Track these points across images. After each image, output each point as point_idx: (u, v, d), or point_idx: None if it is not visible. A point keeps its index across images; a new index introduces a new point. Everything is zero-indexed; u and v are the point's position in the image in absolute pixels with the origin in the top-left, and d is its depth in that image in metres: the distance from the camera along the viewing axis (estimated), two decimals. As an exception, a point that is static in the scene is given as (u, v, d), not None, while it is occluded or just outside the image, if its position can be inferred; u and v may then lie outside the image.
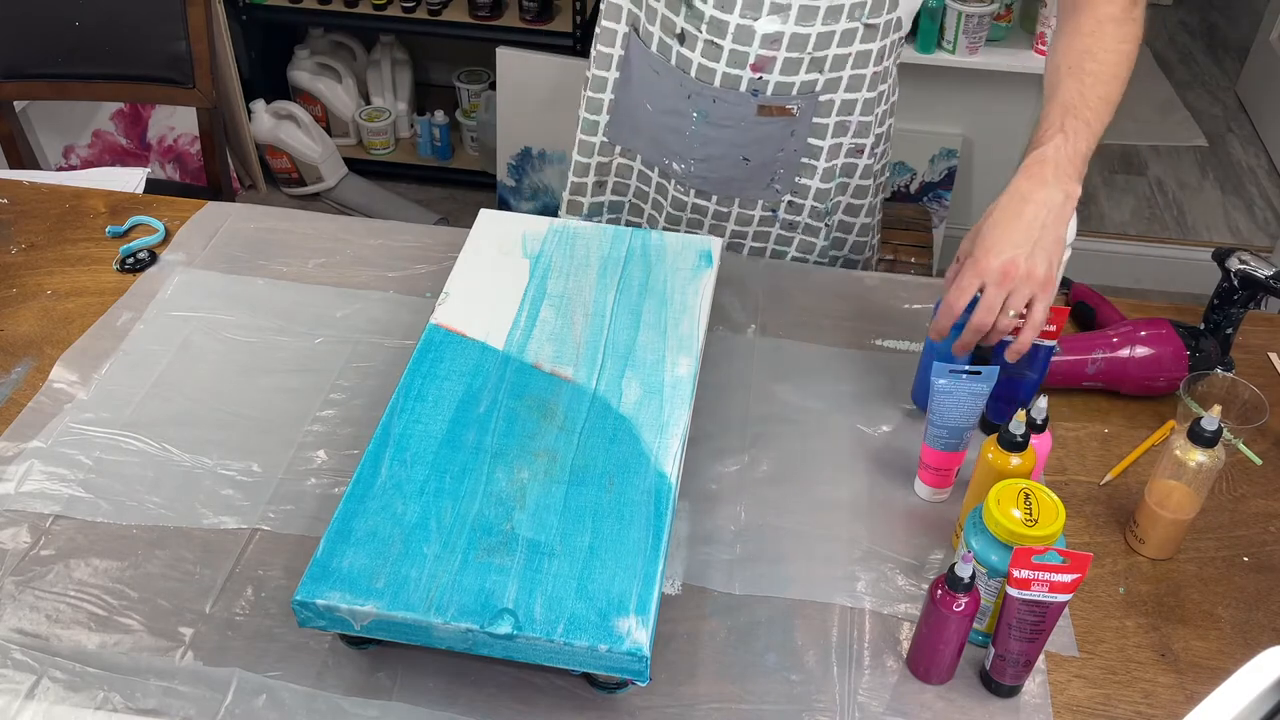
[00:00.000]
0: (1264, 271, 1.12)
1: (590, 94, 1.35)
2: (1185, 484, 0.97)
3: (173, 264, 1.30)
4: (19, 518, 1.00)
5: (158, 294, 1.26)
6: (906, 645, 0.92)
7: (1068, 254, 1.14)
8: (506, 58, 2.71)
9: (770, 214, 1.34)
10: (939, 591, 0.84)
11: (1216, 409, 0.98)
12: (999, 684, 0.88)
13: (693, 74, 1.22)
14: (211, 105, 1.94)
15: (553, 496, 0.91)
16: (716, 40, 1.18)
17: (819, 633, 0.93)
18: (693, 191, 1.33)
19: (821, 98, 1.23)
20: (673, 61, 1.23)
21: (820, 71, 1.20)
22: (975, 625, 0.91)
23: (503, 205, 2.94)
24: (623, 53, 1.29)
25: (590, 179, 1.41)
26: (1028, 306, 0.98)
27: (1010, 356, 0.99)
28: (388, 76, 3.07)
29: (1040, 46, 2.40)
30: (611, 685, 0.87)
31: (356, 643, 0.90)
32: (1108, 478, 1.08)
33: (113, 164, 2.59)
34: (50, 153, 2.45)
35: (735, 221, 1.35)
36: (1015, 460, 0.92)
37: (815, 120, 1.25)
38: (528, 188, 2.90)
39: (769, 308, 1.27)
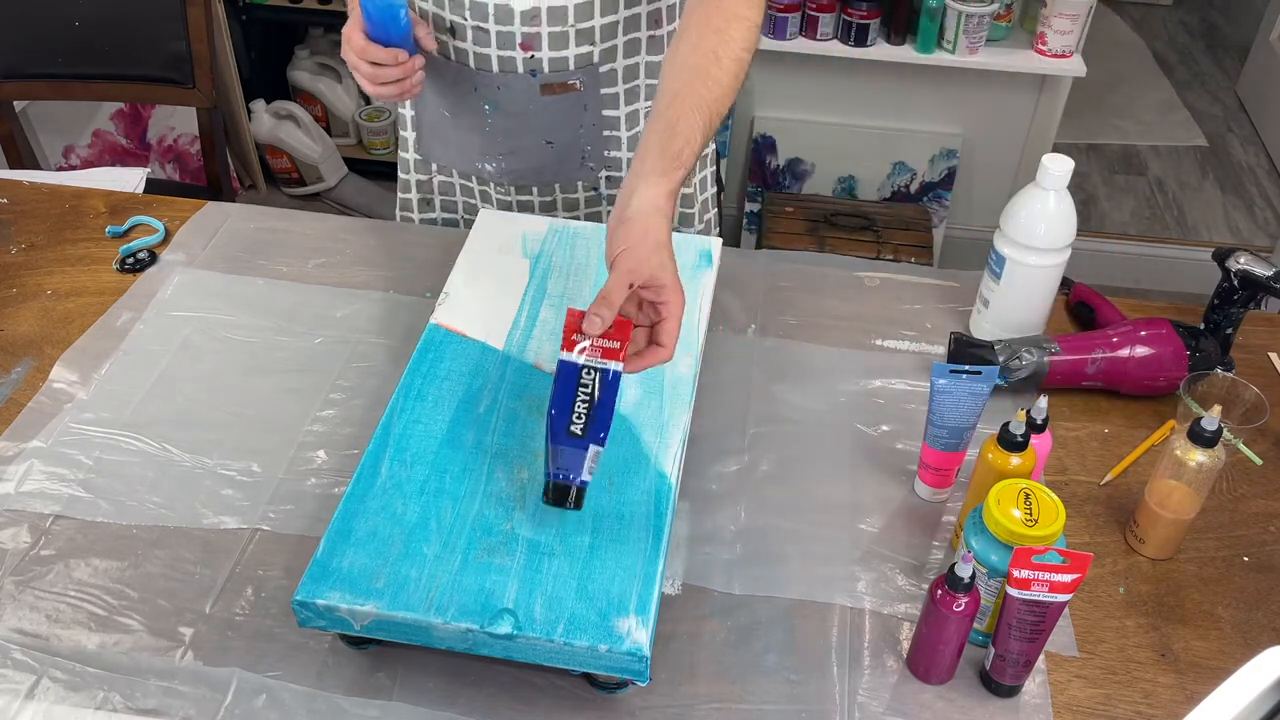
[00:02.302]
0: (1264, 271, 1.12)
1: (400, 111, 1.37)
2: (1185, 484, 0.97)
3: (173, 264, 1.31)
4: (19, 518, 1.00)
5: (158, 294, 1.26)
6: (906, 645, 0.92)
7: (1067, 254, 1.14)
8: (506, 58, 2.70)
9: (594, 192, 1.35)
10: (939, 591, 0.84)
11: (1217, 409, 0.98)
12: (999, 684, 0.88)
13: (472, 65, 1.22)
14: (211, 105, 1.94)
15: (553, 496, 0.91)
16: (482, 24, 1.18)
17: (819, 633, 0.93)
18: (513, 190, 1.34)
19: (602, 69, 1.23)
20: (452, 57, 1.23)
21: (592, 43, 1.20)
22: (975, 625, 0.91)
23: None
24: None
25: (414, 195, 1.43)
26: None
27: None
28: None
29: (1040, 46, 2.40)
30: (611, 685, 0.87)
31: (356, 643, 0.90)
32: (1108, 478, 1.08)
33: (113, 164, 2.59)
34: (50, 153, 2.45)
35: (564, 208, 1.36)
36: (1015, 460, 0.92)
37: (604, 91, 1.25)
38: (528, 188, 2.89)
39: (769, 308, 1.27)
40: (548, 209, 1.35)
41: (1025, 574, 0.80)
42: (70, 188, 1.45)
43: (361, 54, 1.12)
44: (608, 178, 1.33)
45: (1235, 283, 1.14)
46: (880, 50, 2.43)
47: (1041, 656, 0.91)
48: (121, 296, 1.26)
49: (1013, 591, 0.82)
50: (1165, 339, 1.14)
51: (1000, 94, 2.57)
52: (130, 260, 1.30)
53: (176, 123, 2.77)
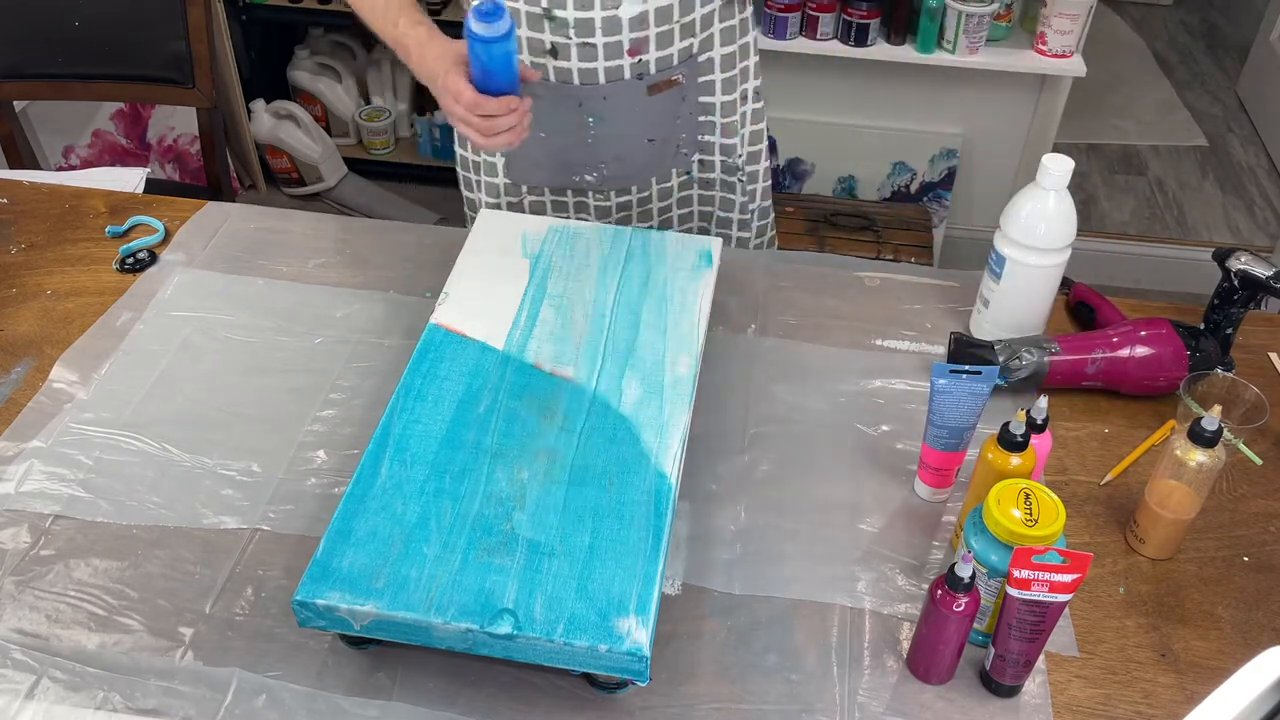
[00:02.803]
0: (1264, 271, 1.12)
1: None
2: (1186, 484, 0.97)
3: (173, 264, 1.30)
4: (19, 518, 1.00)
5: (158, 294, 1.26)
6: (906, 645, 0.92)
7: (1067, 254, 1.14)
8: (506, 58, 2.70)
9: (687, 176, 1.36)
10: (939, 591, 0.84)
11: (1217, 409, 0.98)
12: (999, 684, 0.88)
13: (576, 82, 1.22)
14: (211, 105, 1.94)
15: (553, 496, 0.91)
16: (588, 40, 1.18)
17: (819, 633, 0.93)
18: (613, 193, 1.34)
19: (700, 59, 1.25)
20: (552, 78, 1.22)
21: (694, 35, 1.22)
22: (975, 625, 0.91)
23: (503, 205, 2.93)
24: None
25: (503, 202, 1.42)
26: None
27: None
28: (388, 76, 3.07)
29: (1040, 46, 2.40)
30: (611, 685, 0.87)
31: (356, 643, 0.90)
32: (1108, 478, 1.08)
33: (113, 164, 2.59)
34: (50, 153, 2.45)
35: (659, 199, 1.37)
36: (1015, 460, 0.92)
37: (701, 80, 1.27)
38: (528, 188, 2.89)
39: (769, 308, 1.27)
40: (644, 203, 1.37)
41: (1025, 574, 0.80)
42: (70, 188, 1.45)
43: (474, 108, 1.05)
44: (700, 161, 1.35)
45: (1235, 283, 1.14)
46: (880, 50, 2.43)
47: (1041, 656, 0.91)
48: (121, 296, 1.26)
49: (1013, 591, 0.82)
50: (1165, 339, 1.14)
51: (1000, 94, 2.57)
52: (130, 260, 1.30)
53: (176, 123, 2.77)
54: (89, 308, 1.24)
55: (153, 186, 1.63)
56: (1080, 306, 1.27)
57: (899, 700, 0.88)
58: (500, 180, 1.37)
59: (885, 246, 2.53)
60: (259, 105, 2.90)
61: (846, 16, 2.39)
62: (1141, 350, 1.14)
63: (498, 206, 1.40)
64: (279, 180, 3.03)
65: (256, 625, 0.92)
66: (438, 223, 2.90)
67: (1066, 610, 0.95)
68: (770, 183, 1.48)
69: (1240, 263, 1.13)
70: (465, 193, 1.46)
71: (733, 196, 1.40)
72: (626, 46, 1.19)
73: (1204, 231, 3.04)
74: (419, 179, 3.10)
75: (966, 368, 0.97)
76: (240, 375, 1.16)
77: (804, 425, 1.12)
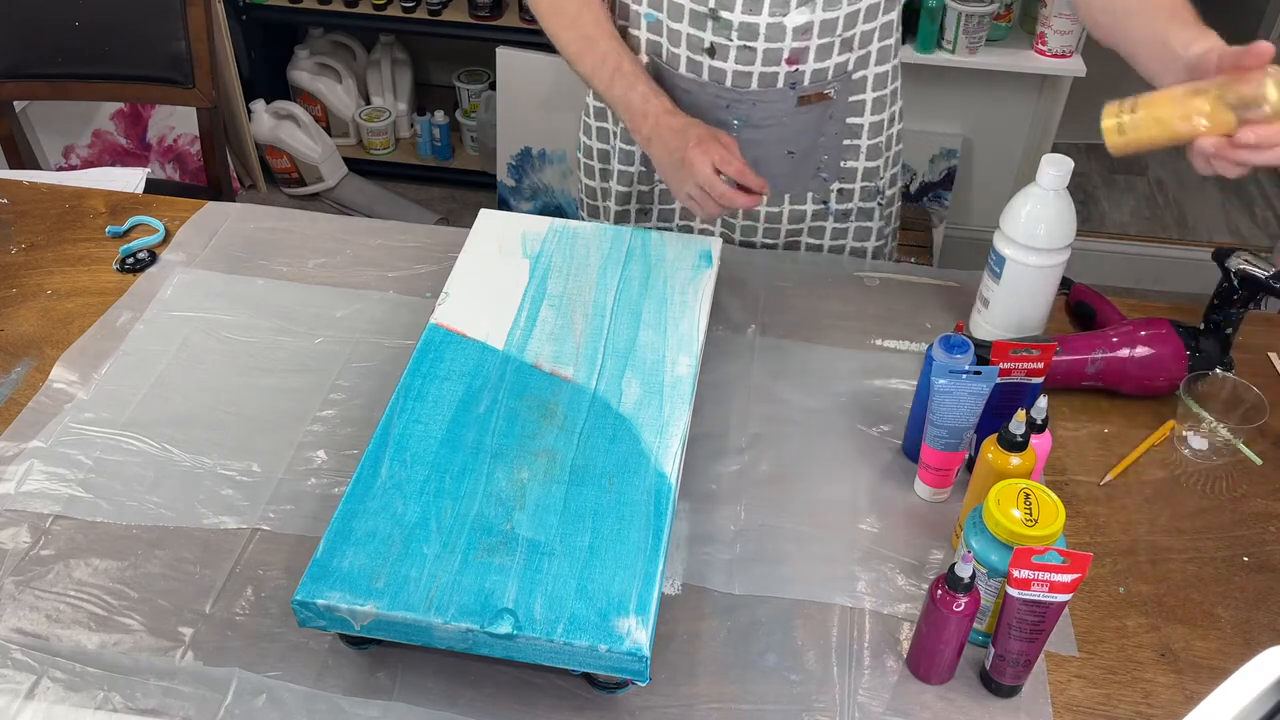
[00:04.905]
0: (1264, 271, 1.12)
1: (618, 126, 1.34)
2: (1237, 118, 0.89)
3: (173, 264, 1.31)
4: (19, 518, 1.00)
5: (158, 294, 1.26)
6: (906, 645, 0.92)
7: (1067, 254, 1.14)
8: (506, 57, 2.71)
9: (822, 206, 1.35)
10: (939, 591, 0.84)
11: None
12: (999, 684, 0.88)
13: (728, 84, 1.21)
14: (211, 105, 1.94)
15: (553, 496, 0.91)
16: (749, 44, 1.18)
17: (819, 633, 0.93)
18: None
19: (854, 75, 1.24)
20: (705, 77, 1.22)
21: (851, 50, 1.21)
22: (975, 625, 0.91)
23: (503, 205, 2.94)
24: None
25: (633, 206, 1.41)
26: None
27: None
28: (388, 76, 3.07)
29: (1040, 46, 2.40)
30: (611, 685, 0.87)
31: (356, 643, 0.90)
32: (1108, 478, 1.08)
33: (113, 164, 2.59)
34: (50, 153, 2.45)
35: (789, 220, 1.35)
36: (1015, 460, 0.92)
37: (851, 99, 1.26)
38: (527, 188, 2.90)
39: (769, 308, 1.27)
40: (774, 220, 1.35)
41: (1025, 574, 0.80)
42: (70, 188, 1.45)
43: (738, 176, 1.10)
44: (839, 190, 1.33)
45: (1235, 283, 1.13)
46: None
47: (1041, 656, 0.91)
48: (121, 296, 1.26)
49: (1013, 591, 0.82)
50: (1165, 339, 1.14)
51: (1000, 94, 2.57)
52: (130, 260, 1.30)
53: (176, 123, 2.77)
54: (89, 308, 1.24)
55: (153, 186, 1.63)
56: (1080, 306, 1.27)
57: (899, 700, 0.88)
58: (635, 169, 1.36)
59: (885, 246, 2.53)
60: (259, 105, 2.90)
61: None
62: (1141, 350, 1.14)
63: (629, 197, 1.40)
64: (279, 180, 3.03)
65: (256, 625, 0.92)
66: (438, 223, 2.90)
67: (1066, 610, 0.95)
68: (899, 205, 1.45)
69: (1240, 263, 1.13)
70: (587, 181, 1.43)
71: (869, 224, 1.37)
72: (786, 55, 1.18)
73: (1204, 231, 3.04)
74: (419, 179, 3.11)
75: (966, 368, 0.97)
76: (240, 375, 1.16)
77: (804, 425, 1.12)
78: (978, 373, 0.97)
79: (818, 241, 1.38)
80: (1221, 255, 1.15)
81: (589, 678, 0.88)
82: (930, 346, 1.02)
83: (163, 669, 0.88)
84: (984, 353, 1.14)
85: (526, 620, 0.82)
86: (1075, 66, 2.40)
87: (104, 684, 0.87)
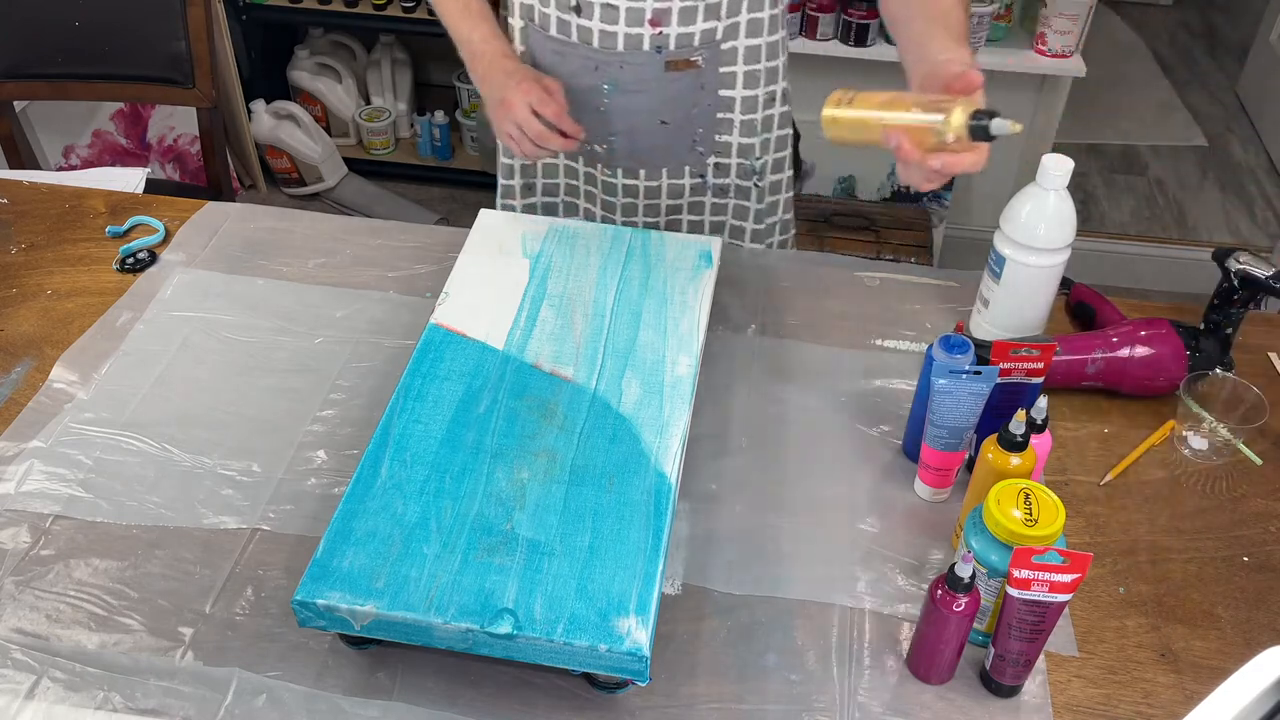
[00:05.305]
0: (1264, 271, 1.12)
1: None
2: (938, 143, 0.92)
3: (173, 264, 1.31)
4: (19, 518, 1.00)
5: (158, 294, 1.26)
6: (906, 645, 0.92)
7: (1067, 254, 1.14)
8: (506, 58, 2.70)
9: (700, 180, 1.35)
10: (939, 591, 0.84)
11: None
12: (999, 684, 0.88)
13: (596, 44, 1.23)
14: (211, 105, 1.94)
15: (553, 496, 0.91)
16: (611, 2, 1.18)
17: (819, 633, 0.93)
18: (620, 172, 1.34)
19: (724, 46, 1.24)
20: (574, 37, 1.23)
21: (718, 19, 1.21)
22: (975, 625, 0.91)
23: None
24: (524, 47, 1.30)
25: (517, 181, 1.42)
26: None
27: None
28: (388, 76, 3.07)
29: (1040, 46, 2.40)
30: (611, 685, 0.87)
31: (356, 643, 0.90)
32: (1108, 478, 1.08)
33: (113, 164, 2.59)
34: (50, 153, 2.45)
35: (668, 196, 1.36)
36: (1015, 460, 0.92)
37: (722, 70, 1.26)
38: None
39: (769, 308, 1.27)
40: (652, 194, 1.36)
41: (1025, 574, 0.80)
42: (70, 188, 1.45)
43: (554, 118, 1.16)
44: (716, 165, 1.34)
45: (1235, 283, 1.13)
46: (880, 50, 2.43)
47: (1041, 656, 0.91)
48: (121, 296, 1.26)
49: (1013, 591, 0.82)
50: (1165, 339, 1.14)
51: (1000, 94, 2.56)
52: (130, 260, 1.30)
53: (176, 123, 2.77)
54: (89, 308, 1.24)
55: (153, 186, 1.63)
56: (1080, 306, 1.27)
57: (899, 700, 0.88)
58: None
59: (885, 246, 2.53)
60: (259, 105, 2.90)
61: (846, 17, 2.39)
62: (1141, 350, 1.14)
63: (511, 170, 1.41)
64: (279, 180, 3.03)
65: (256, 625, 0.92)
66: (438, 223, 2.90)
67: (1066, 610, 0.95)
68: (793, 194, 1.46)
69: (1240, 263, 1.13)
70: (503, 159, 1.46)
71: (747, 204, 1.38)
72: (648, 15, 1.19)
73: (1204, 231, 3.04)
74: (419, 179, 3.11)
75: (967, 368, 0.97)
76: (240, 375, 1.16)
77: (804, 425, 1.12)
78: (978, 373, 0.97)
79: (698, 218, 1.39)
80: (1221, 255, 1.15)
81: (589, 678, 0.88)
82: (930, 346, 1.02)
83: (163, 669, 0.88)
84: (984, 353, 1.14)
85: (526, 620, 0.82)
86: (1075, 66, 2.40)
87: (104, 684, 0.87)
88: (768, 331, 1.24)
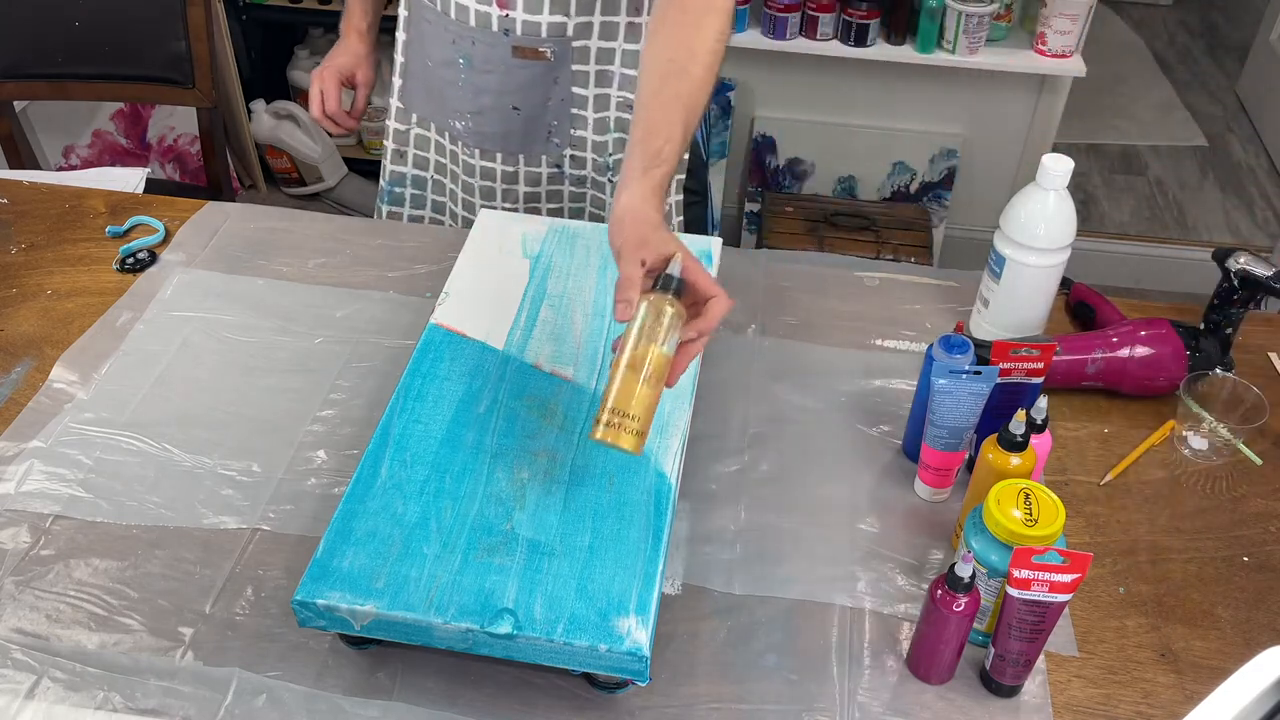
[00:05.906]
0: (1264, 271, 1.12)
1: (395, 56, 1.40)
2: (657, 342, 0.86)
3: (173, 264, 1.31)
4: (19, 518, 1.00)
5: (158, 294, 1.26)
6: (906, 645, 0.92)
7: (1067, 254, 1.14)
8: (506, 58, 2.70)
9: (557, 170, 1.36)
10: (939, 591, 0.84)
11: None
12: (999, 684, 0.88)
13: (451, 15, 1.24)
14: (211, 105, 1.94)
15: (553, 496, 0.91)
16: None
17: (819, 633, 0.93)
18: (478, 152, 1.35)
19: (575, 43, 1.24)
20: (439, 7, 1.25)
21: (566, 14, 1.21)
22: (975, 625, 0.91)
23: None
24: (407, 13, 1.33)
25: (391, 145, 1.45)
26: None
27: None
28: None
29: (1040, 46, 2.40)
30: (611, 685, 0.87)
31: (356, 643, 0.90)
32: (1108, 478, 1.08)
33: (113, 164, 2.59)
34: (50, 153, 2.45)
35: (525, 182, 1.37)
36: (1015, 460, 0.92)
37: (575, 68, 1.26)
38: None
39: (769, 308, 1.27)
40: (510, 179, 1.37)
41: (1025, 574, 0.80)
42: (70, 188, 1.45)
43: (329, 109, 1.41)
44: (572, 156, 1.34)
45: (1235, 283, 1.14)
46: (880, 50, 2.43)
47: (1041, 656, 0.91)
48: (121, 296, 1.26)
49: (1013, 591, 0.82)
50: (1165, 339, 1.14)
51: (1000, 94, 2.57)
52: (130, 260, 1.30)
53: (176, 123, 2.77)
54: (89, 308, 1.24)
55: (153, 186, 1.63)
56: (1080, 306, 1.27)
57: (899, 700, 0.88)
58: (394, 103, 1.42)
59: (885, 246, 2.53)
60: (259, 105, 2.90)
61: (846, 16, 2.39)
62: (1141, 350, 1.14)
63: (389, 134, 1.45)
64: (279, 180, 3.03)
65: (256, 625, 0.92)
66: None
67: (1066, 610, 0.95)
68: (681, 197, 1.43)
69: (1240, 263, 1.13)
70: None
71: (604, 196, 1.38)
72: None
73: (1204, 231, 3.04)
74: (419, 179, 3.10)
75: (967, 368, 0.97)
76: (240, 375, 1.16)
77: (804, 425, 1.12)
78: (978, 373, 0.97)
79: (557, 205, 1.40)
80: (1221, 255, 1.15)
81: (589, 678, 0.88)
82: (930, 346, 1.02)
83: (163, 669, 0.88)
84: (984, 353, 1.14)
85: (526, 620, 0.82)
86: (1075, 66, 2.40)
87: (104, 684, 0.87)
88: (768, 331, 1.24)
